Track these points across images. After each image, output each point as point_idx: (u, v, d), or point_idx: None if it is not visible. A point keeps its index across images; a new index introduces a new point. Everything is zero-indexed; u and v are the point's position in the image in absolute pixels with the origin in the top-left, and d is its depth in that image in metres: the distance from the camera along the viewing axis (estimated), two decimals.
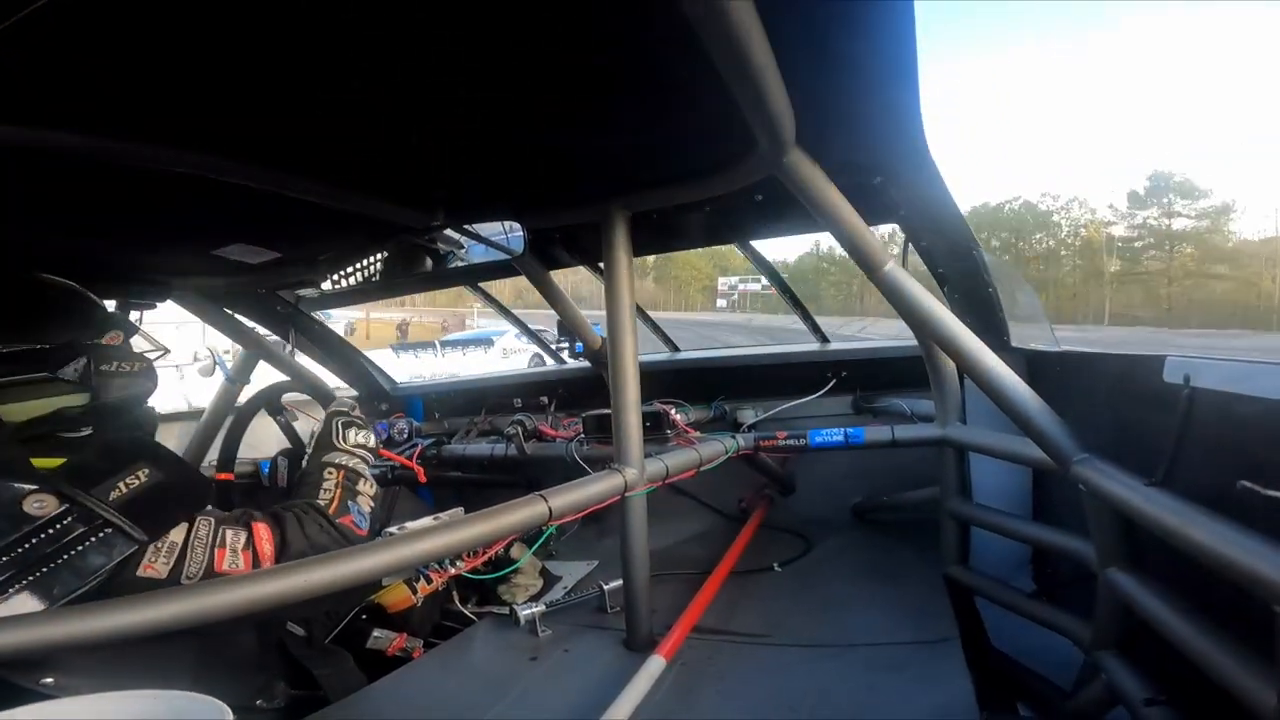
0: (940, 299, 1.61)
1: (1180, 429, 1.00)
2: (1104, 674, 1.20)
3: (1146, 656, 1.16)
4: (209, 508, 1.30)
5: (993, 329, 1.84)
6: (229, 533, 1.19)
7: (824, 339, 2.66)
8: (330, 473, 1.46)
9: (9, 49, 0.70)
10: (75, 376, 1.24)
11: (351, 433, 1.57)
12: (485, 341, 13.66)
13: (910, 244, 1.75)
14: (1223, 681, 0.85)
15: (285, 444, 2.11)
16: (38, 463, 1.12)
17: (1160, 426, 1.05)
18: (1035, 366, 1.80)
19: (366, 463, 1.54)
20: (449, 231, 1.70)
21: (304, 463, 1.59)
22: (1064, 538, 1.45)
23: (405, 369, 10.45)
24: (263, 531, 1.23)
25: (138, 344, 1.43)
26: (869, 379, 2.37)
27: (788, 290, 2.77)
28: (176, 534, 1.16)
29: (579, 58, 0.89)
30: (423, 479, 2.39)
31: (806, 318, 2.72)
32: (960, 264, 1.72)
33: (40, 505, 1.05)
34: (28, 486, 1.06)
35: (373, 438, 1.61)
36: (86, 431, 1.27)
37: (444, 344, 14.05)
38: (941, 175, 1.36)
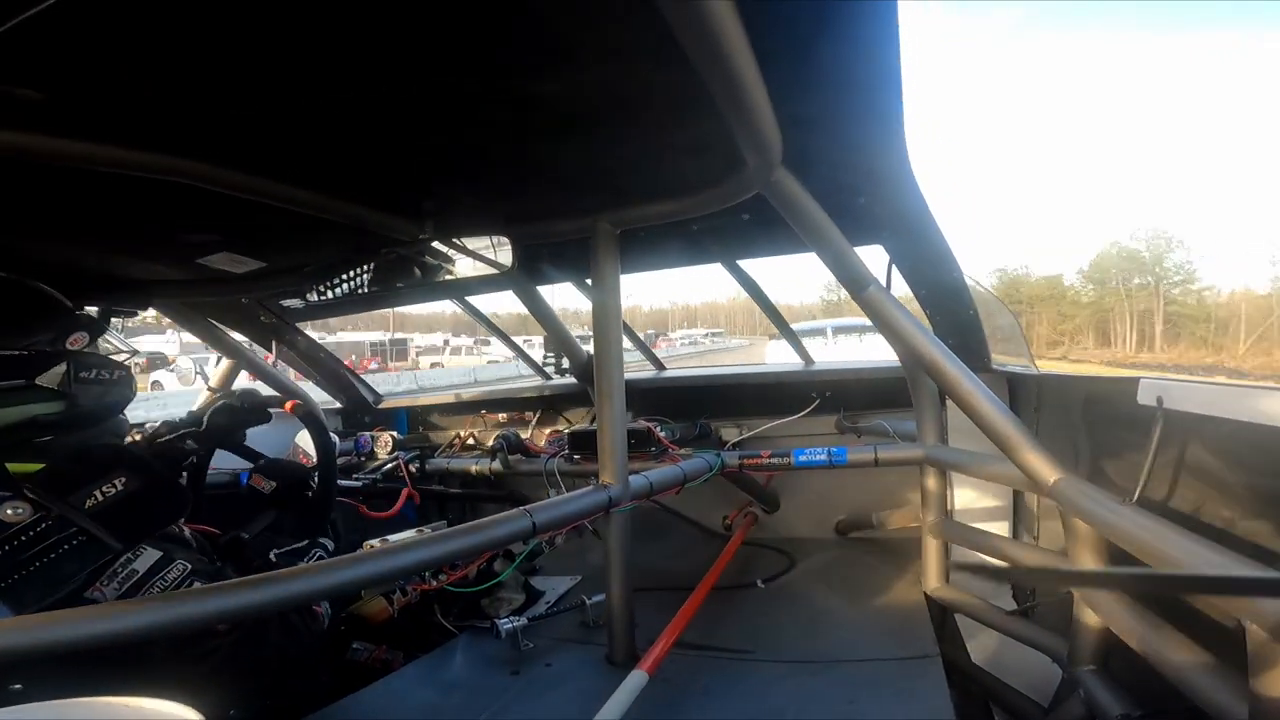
0: (923, 321, 1.63)
1: (1154, 449, 1.03)
2: (1081, 690, 1.21)
3: (1123, 673, 1.17)
4: (192, 548, 1.28)
5: (974, 351, 1.87)
6: (197, 585, 1.16)
7: (808, 359, 2.69)
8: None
9: None
10: (54, 384, 1.22)
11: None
12: (856, 330, 13.32)
13: (894, 265, 1.77)
14: (1196, 697, 0.87)
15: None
16: (13, 468, 1.11)
17: (1135, 447, 1.08)
18: (1015, 388, 1.83)
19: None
20: (437, 244, 1.71)
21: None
22: (1043, 556, 1.47)
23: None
24: None
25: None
26: (852, 399, 2.39)
27: (775, 313, 2.80)
28: (142, 562, 1.13)
29: (569, 72, 0.90)
30: (418, 500, 2.40)
31: (791, 338, 2.75)
32: (942, 286, 1.75)
33: (13, 512, 1.03)
34: (2, 493, 1.04)
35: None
36: (60, 438, 1.25)
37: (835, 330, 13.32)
38: (924, 197, 1.38)
